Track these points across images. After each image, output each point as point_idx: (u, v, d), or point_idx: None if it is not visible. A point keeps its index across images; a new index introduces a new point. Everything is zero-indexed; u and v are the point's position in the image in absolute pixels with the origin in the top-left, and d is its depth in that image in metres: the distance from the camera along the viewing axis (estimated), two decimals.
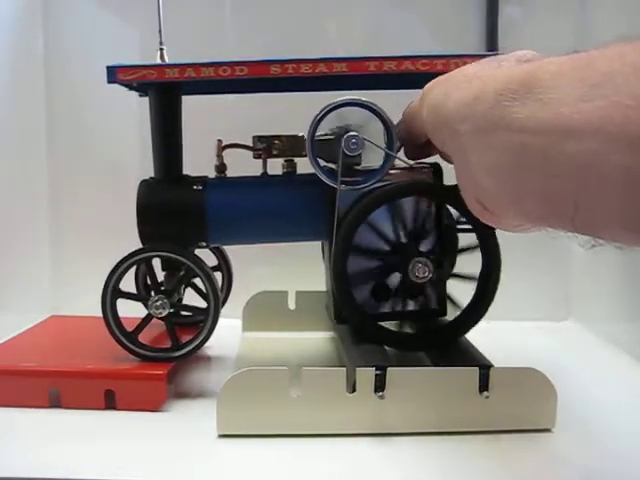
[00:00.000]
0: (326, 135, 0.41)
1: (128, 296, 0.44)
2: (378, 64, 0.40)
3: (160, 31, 0.44)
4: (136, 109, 0.56)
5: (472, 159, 0.30)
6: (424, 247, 0.42)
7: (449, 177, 0.41)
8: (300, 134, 0.44)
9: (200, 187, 0.44)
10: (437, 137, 0.35)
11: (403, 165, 0.42)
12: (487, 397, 0.37)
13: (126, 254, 0.42)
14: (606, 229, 0.25)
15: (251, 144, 0.45)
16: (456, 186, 0.40)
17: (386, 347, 0.42)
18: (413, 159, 0.42)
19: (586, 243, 0.28)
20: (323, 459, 0.36)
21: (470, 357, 0.41)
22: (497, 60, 0.33)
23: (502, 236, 0.40)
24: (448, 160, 0.36)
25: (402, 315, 0.44)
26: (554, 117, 0.25)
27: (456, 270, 0.44)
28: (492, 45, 0.62)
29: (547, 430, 0.38)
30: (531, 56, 0.32)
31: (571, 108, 0.24)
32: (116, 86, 0.42)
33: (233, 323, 0.55)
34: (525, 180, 0.27)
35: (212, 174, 0.46)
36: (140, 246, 0.43)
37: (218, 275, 0.52)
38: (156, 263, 0.45)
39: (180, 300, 0.48)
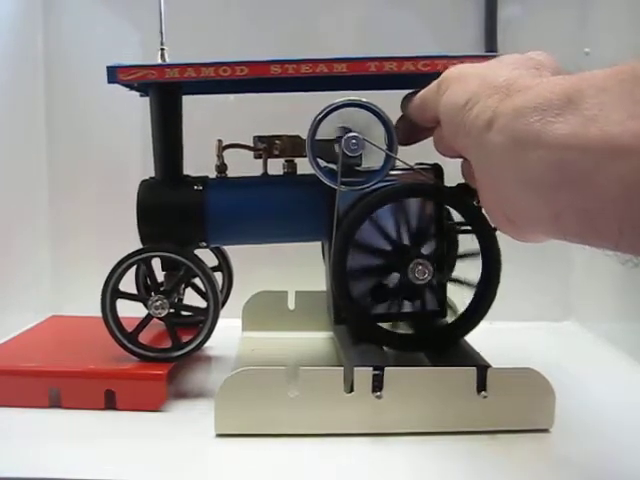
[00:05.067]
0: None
1: (128, 296, 0.44)
2: (379, 65, 0.40)
3: (161, 32, 0.44)
4: (136, 109, 0.56)
5: (505, 172, 0.30)
6: (424, 249, 0.42)
7: (450, 178, 0.42)
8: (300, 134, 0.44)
9: (200, 187, 0.44)
10: (456, 139, 0.34)
11: (403, 166, 0.42)
12: (485, 397, 0.37)
13: (126, 254, 0.42)
14: None
15: (252, 144, 0.45)
16: (457, 187, 0.40)
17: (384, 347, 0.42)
18: (404, 141, 0.41)
19: (627, 262, 0.27)
20: (321, 459, 0.36)
21: (468, 357, 0.41)
22: (534, 65, 0.31)
23: (502, 236, 0.40)
24: (453, 156, 0.35)
25: (401, 316, 0.44)
26: (601, 135, 0.24)
27: (456, 274, 0.44)
28: (491, 45, 0.62)
29: (545, 430, 0.38)
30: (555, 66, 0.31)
31: (619, 126, 0.24)
32: (116, 86, 0.42)
33: (233, 323, 0.55)
34: (565, 198, 0.27)
35: (212, 174, 0.46)
36: (140, 246, 0.43)
37: (218, 275, 0.52)
38: (156, 263, 0.45)
39: (180, 300, 0.48)
